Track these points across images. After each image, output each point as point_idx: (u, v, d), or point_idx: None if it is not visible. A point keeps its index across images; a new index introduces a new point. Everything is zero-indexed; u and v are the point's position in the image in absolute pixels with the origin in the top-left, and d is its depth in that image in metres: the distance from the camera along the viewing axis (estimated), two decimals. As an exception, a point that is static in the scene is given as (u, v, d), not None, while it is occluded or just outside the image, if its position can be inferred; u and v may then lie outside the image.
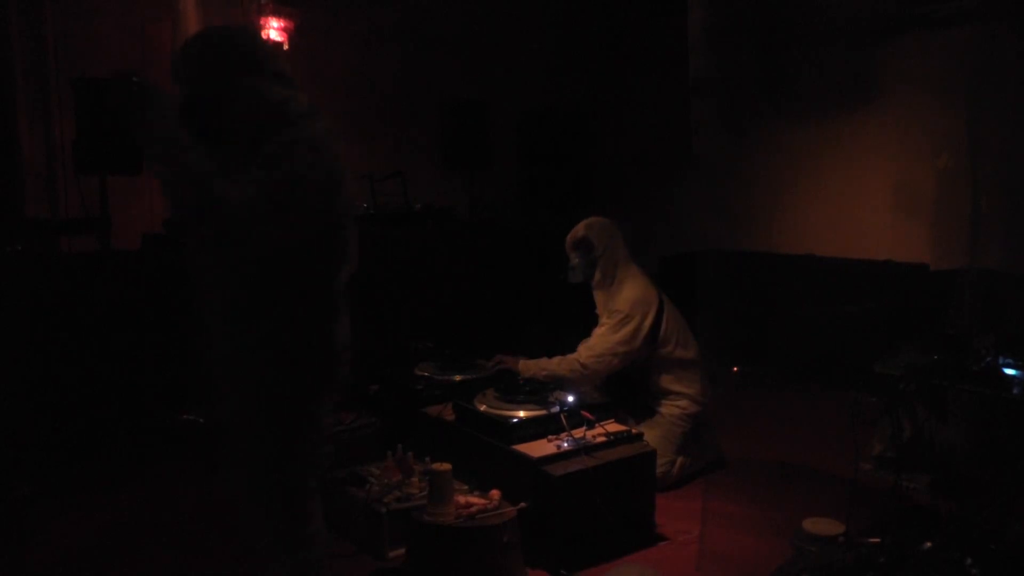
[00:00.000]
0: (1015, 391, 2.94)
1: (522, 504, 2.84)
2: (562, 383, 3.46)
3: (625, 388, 3.73)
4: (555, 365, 3.61)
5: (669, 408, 3.67)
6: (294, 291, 2.03)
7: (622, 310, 3.63)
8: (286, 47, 5.42)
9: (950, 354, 3.18)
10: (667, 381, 3.69)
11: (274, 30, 5.34)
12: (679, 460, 3.62)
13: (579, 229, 3.78)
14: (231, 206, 1.81)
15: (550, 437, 3.08)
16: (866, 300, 4.81)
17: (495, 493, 2.85)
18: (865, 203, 5.25)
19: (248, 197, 1.83)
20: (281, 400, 2.06)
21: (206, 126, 1.91)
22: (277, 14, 5.37)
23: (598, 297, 3.80)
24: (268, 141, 1.91)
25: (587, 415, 3.16)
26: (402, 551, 2.93)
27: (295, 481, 2.12)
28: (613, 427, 3.21)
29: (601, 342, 3.61)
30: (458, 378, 3.84)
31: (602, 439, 3.10)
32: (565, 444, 3.03)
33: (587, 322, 3.86)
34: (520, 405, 3.23)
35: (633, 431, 3.21)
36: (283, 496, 2.11)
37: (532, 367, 3.64)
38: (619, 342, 3.59)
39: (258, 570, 2.15)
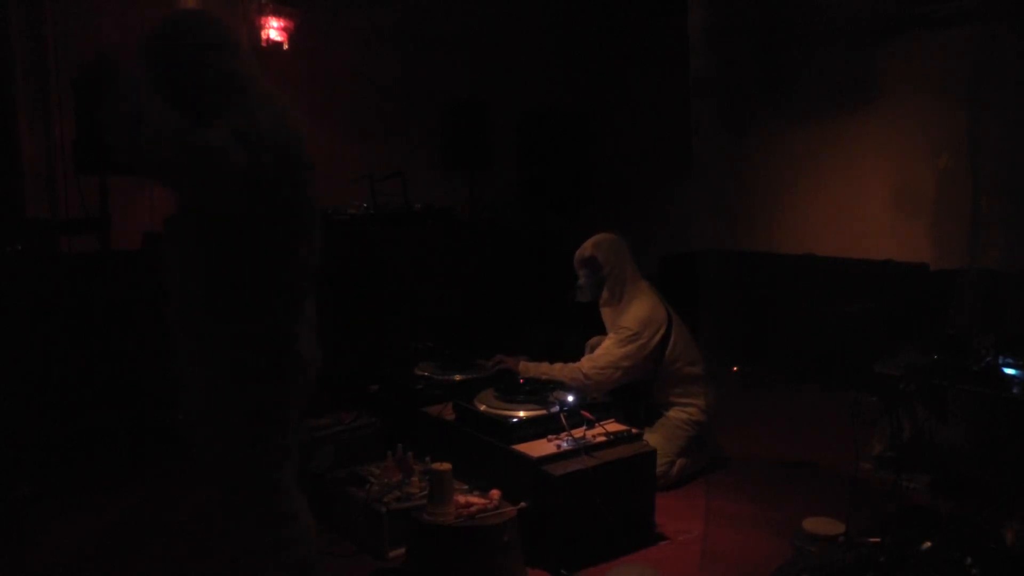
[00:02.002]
0: (1015, 391, 2.94)
1: (522, 504, 2.84)
2: (562, 387, 3.46)
3: (629, 396, 3.72)
4: (556, 371, 3.60)
5: (677, 412, 3.67)
6: (253, 283, 2.05)
7: (630, 327, 3.61)
8: (286, 47, 5.42)
9: (950, 354, 3.18)
10: (674, 395, 3.69)
11: (274, 30, 5.34)
12: (679, 461, 3.62)
13: (586, 247, 3.76)
14: (209, 148, 1.90)
15: (550, 437, 3.08)
16: (866, 300, 4.81)
17: (495, 493, 2.85)
18: (865, 203, 5.25)
19: (223, 138, 1.91)
20: (242, 398, 2.07)
21: (176, 98, 1.97)
22: (277, 14, 5.37)
23: (605, 314, 3.80)
24: (232, 106, 2.00)
25: (587, 415, 3.16)
26: (402, 551, 2.93)
27: (263, 482, 2.12)
28: (613, 427, 3.21)
29: (606, 355, 3.60)
30: (458, 378, 3.84)
31: (602, 439, 3.10)
32: (565, 444, 3.03)
33: (587, 322, 3.86)
34: (520, 405, 3.23)
35: (633, 431, 3.21)
36: (253, 498, 2.12)
37: (532, 370, 3.63)
38: (624, 356, 3.57)
39: (255, 572, 2.15)
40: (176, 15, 2.13)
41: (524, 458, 2.95)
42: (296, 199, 2.07)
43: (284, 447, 2.15)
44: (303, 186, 2.08)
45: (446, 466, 2.78)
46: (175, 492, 3.67)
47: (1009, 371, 3.02)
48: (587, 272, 3.76)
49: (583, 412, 3.16)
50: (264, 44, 5.33)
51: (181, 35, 2.02)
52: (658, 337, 3.61)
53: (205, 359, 2.08)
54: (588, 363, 3.60)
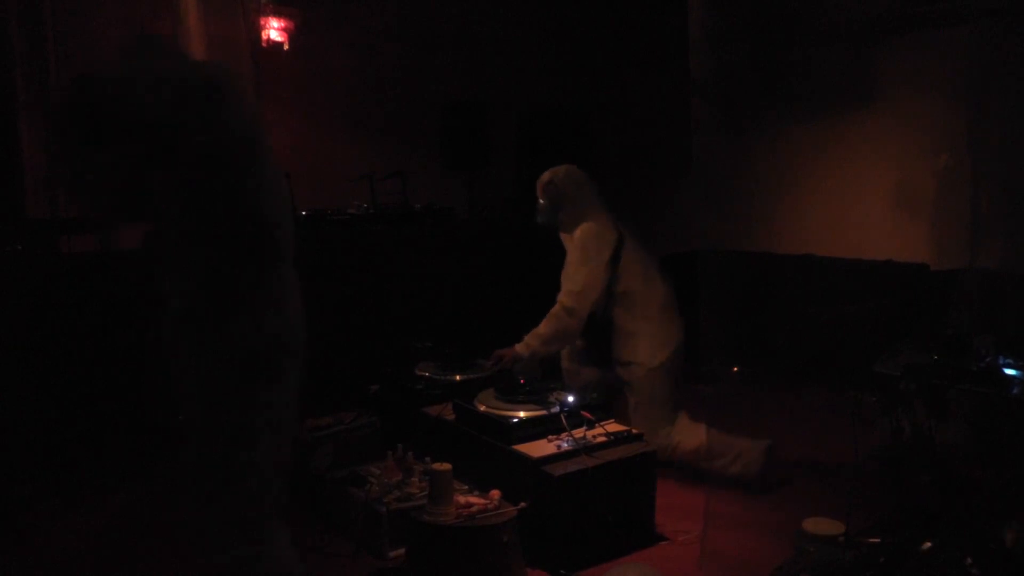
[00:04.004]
0: (1015, 391, 2.94)
1: (522, 504, 2.84)
2: (560, 340, 3.61)
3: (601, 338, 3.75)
4: (544, 327, 3.64)
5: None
6: (232, 285, 2.05)
7: (580, 242, 3.71)
8: (286, 47, 5.42)
9: (950, 354, 3.18)
10: (621, 333, 3.69)
11: (274, 30, 5.34)
12: (668, 433, 3.62)
13: (546, 174, 3.92)
14: None
15: (550, 437, 3.08)
16: (866, 300, 4.81)
17: (495, 493, 2.85)
18: (865, 203, 5.25)
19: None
20: (221, 405, 2.08)
21: None
22: (277, 14, 5.37)
23: (565, 239, 3.88)
24: None
25: (587, 415, 3.16)
26: (402, 551, 2.94)
27: (234, 497, 2.10)
28: (613, 427, 3.21)
29: (575, 278, 3.65)
30: (458, 378, 3.84)
31: (602, 439, 3.10)
32: (565, 444, 3.03)
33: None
34: (520, 405, 3.23)
35: (633, 431, 3.22)
36: (228, 511, 2.10)
37: (530, 343, 3.65)
38: (589, 273, 3.64)
39: None
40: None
41: (524, 458, 2.95)
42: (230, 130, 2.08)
43: (257, 467, 2.12)
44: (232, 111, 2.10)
45: (446, 466, 2.78)
46: (173, 492, 3.67)
47: (1009, 371, 3.02)
48: (546, 197, 3.90)
49: (583, 412, 3.17)
50: (264, 44, 5.34)
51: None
52: (609, 249, 3.68)
53: (194, 365, 2.08)
54: (565, 296, 3.65)
